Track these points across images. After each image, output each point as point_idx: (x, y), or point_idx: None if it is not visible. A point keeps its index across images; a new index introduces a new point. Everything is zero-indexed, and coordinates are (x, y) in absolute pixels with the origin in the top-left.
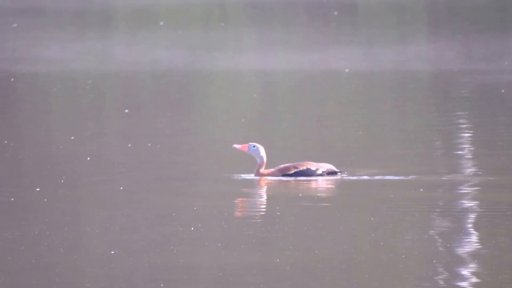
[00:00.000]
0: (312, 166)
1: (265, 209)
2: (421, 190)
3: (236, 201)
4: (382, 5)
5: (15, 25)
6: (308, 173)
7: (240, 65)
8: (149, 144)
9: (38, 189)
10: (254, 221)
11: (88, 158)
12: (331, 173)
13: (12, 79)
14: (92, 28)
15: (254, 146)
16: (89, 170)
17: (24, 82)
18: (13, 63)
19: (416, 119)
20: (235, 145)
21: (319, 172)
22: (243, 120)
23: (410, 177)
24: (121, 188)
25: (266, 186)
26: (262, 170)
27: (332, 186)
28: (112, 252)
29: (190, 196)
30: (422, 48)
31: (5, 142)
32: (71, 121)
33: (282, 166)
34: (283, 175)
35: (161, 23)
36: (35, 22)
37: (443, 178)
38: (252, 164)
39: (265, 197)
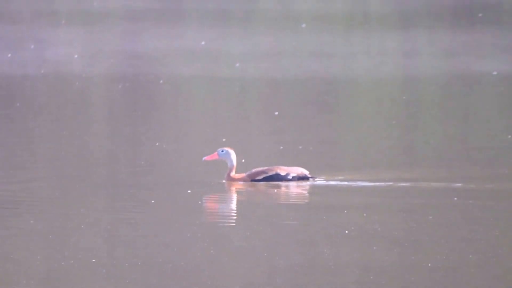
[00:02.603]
0: (282, 171)
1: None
2: None
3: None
4: None
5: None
6: (277, 178)
7: (385, 68)
8: (300, 147)
9: (189, 191)
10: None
11: (243, 160)
12: (302, 178)
13: (161, 81)
14: (234, 29)
15: (222, 151)
16: (242, 171)
17: (173, 83)
18: (160, 65)
19: None
20: (205, 157)
21: (290, 177)
22: (394, 122)
23: None
24: (275, 191)
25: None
26: (233, 174)
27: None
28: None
29: (337, 195)
30: None
31: (156, 144)
32: (220, 123)
33: (253, 171)
34: (252, 180)
35: (303, 25)
36: (178, 23)
37: None
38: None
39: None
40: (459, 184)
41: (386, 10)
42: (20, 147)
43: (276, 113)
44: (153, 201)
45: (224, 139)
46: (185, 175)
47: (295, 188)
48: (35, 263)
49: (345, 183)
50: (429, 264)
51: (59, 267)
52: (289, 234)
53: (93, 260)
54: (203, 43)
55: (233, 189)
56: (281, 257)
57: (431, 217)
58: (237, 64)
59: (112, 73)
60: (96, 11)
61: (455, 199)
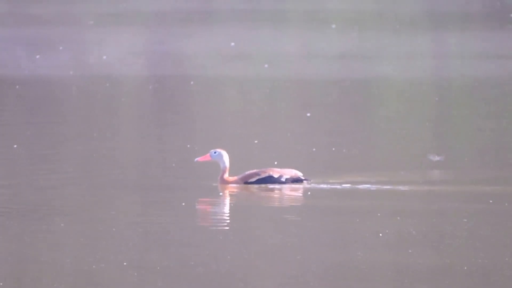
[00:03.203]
0: (275, 173)
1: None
2: None
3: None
4: None
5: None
6: (270, 180)
7: (416, 70)
8: (333, 149)
9: (220, 194)
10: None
11: (276, 162)
12: (296, 180)
13: (191, 82)
14: (263, 30)
15: (215, 152)
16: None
17: (203, 85)
18: (190, 66)
19: None
20: (197, 159)
21: (283, 179)
22: (426, 123)
23: None
24: (309, 193)
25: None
26: (226, 176)
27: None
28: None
29: (371, 198)
30: None
31: (188, 146)
32: (251, 125)
33: (246, 173)
34: (245, 183)
35: (333, 25)
36: (207, 24)
37: None
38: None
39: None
40: (494, 187)
41: (417, 11)
42: (50, 150)
43: (308, 114)
44: (183, 204)
45: (256, 141)
46: (216, 177)
47: (323, 192)
48: (66, 266)
49: (378, 186)
50: (465, 268)
51: (90, 270)
52: (322, 237)
53: (125, 263)
54: (232, 44)
55: (248, 192)
56: (314, 260)
57: (466, 220)
58: (266, 65)
59: (142, 74)
60: (125, 12)
61: (490, 201)
